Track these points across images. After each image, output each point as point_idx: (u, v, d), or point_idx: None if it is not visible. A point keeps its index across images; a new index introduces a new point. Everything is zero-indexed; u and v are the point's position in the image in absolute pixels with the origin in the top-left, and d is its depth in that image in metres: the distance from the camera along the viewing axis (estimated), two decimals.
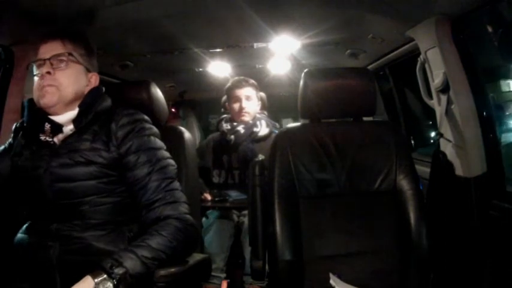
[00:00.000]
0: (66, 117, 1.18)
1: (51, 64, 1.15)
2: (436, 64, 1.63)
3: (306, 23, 1.85)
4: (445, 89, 1.61)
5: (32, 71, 1.21)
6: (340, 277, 1.32)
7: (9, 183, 1.21)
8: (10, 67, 1.64)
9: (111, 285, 0.94)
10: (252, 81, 2.35)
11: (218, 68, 2.71)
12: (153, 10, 1.56)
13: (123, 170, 1.16)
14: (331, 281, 1.29)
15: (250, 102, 2.32)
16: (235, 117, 2.35)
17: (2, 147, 1.28)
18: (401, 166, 1.47)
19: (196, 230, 1.15)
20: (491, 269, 1.44)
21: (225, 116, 2.45)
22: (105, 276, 0.95)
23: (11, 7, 1.33)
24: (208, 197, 2.23)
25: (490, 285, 1.43)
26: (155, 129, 1.24)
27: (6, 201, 1.24)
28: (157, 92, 1.55)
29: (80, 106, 1.19)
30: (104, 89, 1.28)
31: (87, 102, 1.20)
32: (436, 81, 1.64)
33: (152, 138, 1.21)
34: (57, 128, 1.17)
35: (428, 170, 1.75)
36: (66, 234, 1.12)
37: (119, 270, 0.96)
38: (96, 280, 0.94)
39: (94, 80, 1.25)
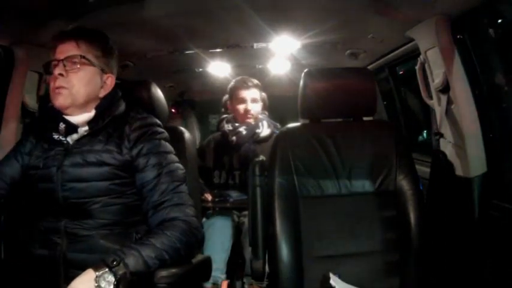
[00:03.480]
0: (81, 119, 1.19)
1: (64, 66, 1.15)
2: (436, 64, 1.63)
3: (306, 23, 1.85)
4: (445, 89, 1.61)
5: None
6: (340, 277, 1.32)
7: (21, 185, 1.22)
8: (10, 67, 1.64)
9: (112, 279, 0.95)
10: (256, 81, 2.32)
11: (218, 68, 2.72)
12: (154, 10, 1.57)
13: (134, 172, 1.16)
14: (331, 281, 1.29)
15: (255, 105, 2.29)
16: (239, 118, 2.31)
17: (12, 150, 1.29)
18: (401, 166, 1.47)
19: (200, 233, 1.15)
20: (491, 269, 1.43)
21: (225, 116, 2.44)
22: (106, 270, 0.95)
23: (11, 7, 1.33)
24: (209, 197, 2.22)
25: (490, 285, 1.43)
26: (166, 134, 1.25)
27: (17, 201, 1.25)
28: (157, 92, 1.55)
29: (96, 108, 1.20)
30: (120, 92, 1.28)
31: (105, 106, 1.21)
32: (436, 81, 1.64)
33: (163, 142, 1.22)
34: (72, 128, 1.18)
35: (428, 170, 1.75)
36: (74, 232, 1.13)
37: (120, 268, 0.96)
38: (97, 273, 0.95)
39: (110, 81, 1.23)
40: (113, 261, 0.96)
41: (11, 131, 1.65)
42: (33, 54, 1.63)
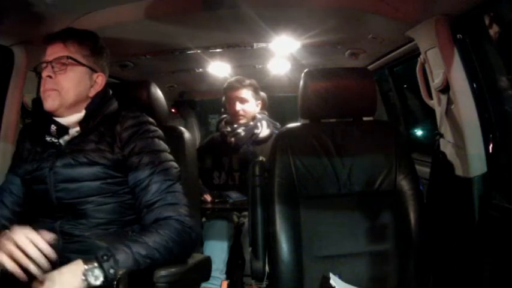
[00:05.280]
0: (72, 119, 1.19)
1: (53, 67, 1.16)
2: (436, 64, 1.63)
3: (306, 23, 1.84)
4: (445, 89, 1.61)
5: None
6: (340, 277, 1.32)
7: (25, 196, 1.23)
8: (10, 67, 1.64)
9: (100, 274, 0.95)
10: (248, 81, 2.32)
11: (218, 69, 2.71)
12: (153, 10, 1.56)
13: (127, 171, 1.16)
14: (331, 281, 1.29)
15: (245, 105, 2.30)
16: (232, 119, 2.34)
17: (11, 165, 1.29)
18: (401, 166, 1.47)
19: (195, 233, 1.14)
20: (491, 269, 1.43)
21: (225, 116, 2.44)
22: (95, 264, 0.96)
23: (11, 7, 1.33)
24: (209, 198, 2.22)
25: (489, 286, 1.43)
26: (160, 132, 1.25)
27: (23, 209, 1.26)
28: (157, 92, 1.55)
29: (86, 109, 1.20)
30: (111, 91, 1.27)
31: (95, 105, 1.21)
32: (436, 81, 1.64)
33: (156, 140, 1.21)
34: (63, 129, 1.18)
35: (428, 170, 1.75)
36: (70, 233, 1.13)
37: (109, 262, 0.96)
38: (86, 267, 0.95)
39: (100, 80, 1.23)
40: (103, 255, 0.97)
41: (11, 131, 1.64)
42: (33, 54, 1.63)
